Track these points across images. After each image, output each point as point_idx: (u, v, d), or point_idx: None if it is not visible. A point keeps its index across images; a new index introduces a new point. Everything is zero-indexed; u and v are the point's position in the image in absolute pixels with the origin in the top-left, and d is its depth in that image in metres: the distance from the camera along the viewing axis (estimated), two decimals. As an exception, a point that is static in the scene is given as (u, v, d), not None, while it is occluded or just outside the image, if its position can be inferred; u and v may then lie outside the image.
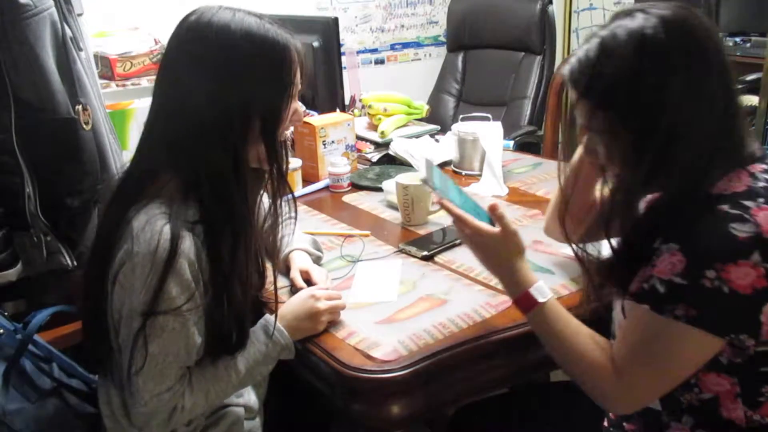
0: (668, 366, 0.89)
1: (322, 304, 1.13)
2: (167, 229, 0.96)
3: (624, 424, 1.08)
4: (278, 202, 1.09)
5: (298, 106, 1.09)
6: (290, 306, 1.14)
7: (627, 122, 0.89)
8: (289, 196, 1.12)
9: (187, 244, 0.97)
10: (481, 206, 1.08)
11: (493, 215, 1.02)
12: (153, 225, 0.96)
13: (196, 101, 0.99)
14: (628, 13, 0.90)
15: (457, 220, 1.03)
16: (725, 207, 0.85)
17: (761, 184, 0.87)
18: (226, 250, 1.02)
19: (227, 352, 1.07)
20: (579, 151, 1.14)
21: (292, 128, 1.98)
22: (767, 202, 0.84)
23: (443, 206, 1.03)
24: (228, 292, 1.03)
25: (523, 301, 1.00)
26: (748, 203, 0.84)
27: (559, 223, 1.20)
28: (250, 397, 1.21)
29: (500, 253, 1.02)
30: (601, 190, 1.11)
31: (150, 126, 1.06)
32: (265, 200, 1.14)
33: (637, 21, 0.88)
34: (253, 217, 1.08)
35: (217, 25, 0.99)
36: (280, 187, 1.08)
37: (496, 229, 1.01)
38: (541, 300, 0.99)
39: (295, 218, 1.19)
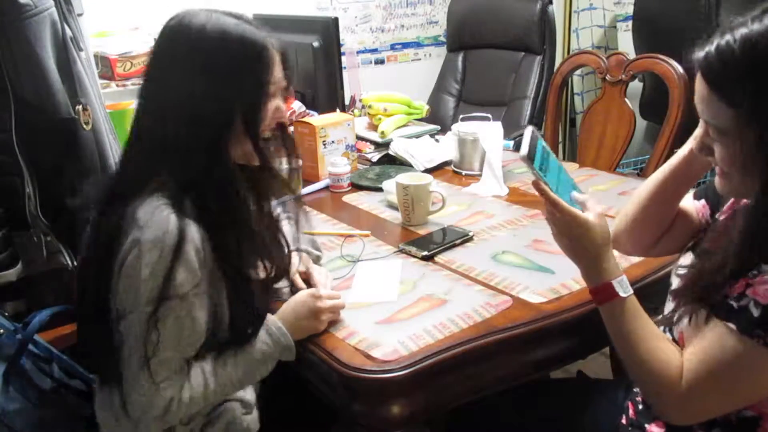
0: (740, 388, 0.87)
1: (323, 303, 1.13)
2: (174, 217, 0.98)
3: (646, 425, 1.07)
4: (269, 198, 1.13)
5: (280, 103, 1.11)
6: (291, 306, 1.14)
7: (761, 127, 0.81)
8: (289, 196, 1.15)
9: (193, 230, 0.99)
10: (577, 185, 1.04)
11: (584, 206, 0.99)
12: (159, 213, 0.98)
13: (179, 104, 1.02)
14: None
15: (550, 203, 0.99)
16: None
17: None
18: (231, 245, 1.05)
19: (237, 344, 1.08)
20: (679, 155, 1.08)
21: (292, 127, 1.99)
22: None
23: (537, 188, 0.99)
24: (239, 285, 1.06)
25: (603, 291, 0.97)
26: None
27: (636, 231, 1.14)
28: (246, 390, 1.21)
29: (588, 240, 0.98)
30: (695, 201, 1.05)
31: (137, 130, 1.09)
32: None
33: None
34: (261, 212, 1.12)
35: (194, 28, 1.02)
36: (274, 184, 1.12)
37: (590, 216, 0.98)
38: (622, 294, 0.96)
39: (296, 218, 1.20)
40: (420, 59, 3.47)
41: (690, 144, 1.04)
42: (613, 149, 2.10)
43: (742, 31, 0.81)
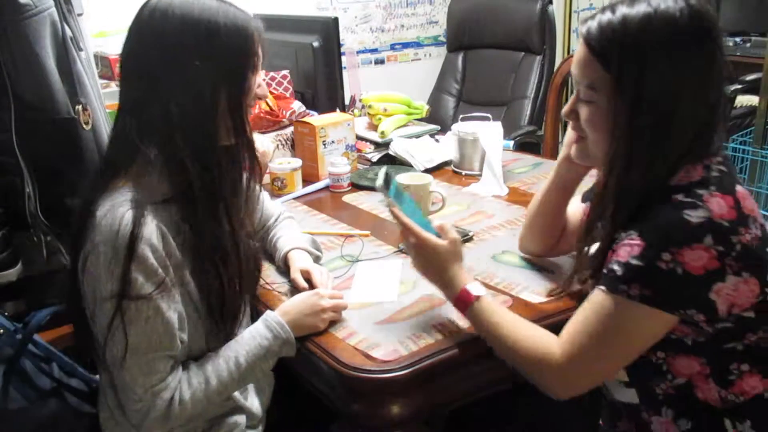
0: (616, 345, 0.93)
1: (326, 302, 1.14)
2: (129, 214, 0.97)
3: (617, 423, 1.09)
4: (250, 177, 1.14)
5: (260, 79, 1.12)
6: (294, 302, 1.15)
7: (627, 92, 0.92)
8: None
9: (149, 229, 0.98)
10: (430, 223, 1.12)
11: (440, 230, 1.09)
12: (114, 212, 0.98)
13: (167, 84, 1.00)
14: None
15: (405, 229, 1.07)
16: (680, 196, 0.90)
17: (714, 174, 0.93)
18: (214, 223, 1.05)
19: (227, 331, 1.09)
20: (551, 176, 1.21)
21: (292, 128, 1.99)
22: (719, 189, 0.90)
23: (393, 213, 1.08)
24: (224, 263, 1.06)
25: (462, 297, 1.04)
26: (701, 191, 0.90)
27: (534, 238, 1.29)
28: (253, 401, 1.21)
29: (441, 261, 1.07)
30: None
31: (123, 118, 1.06)
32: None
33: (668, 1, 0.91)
34: (237, 191, 1.12)
35: (179, 9, 1.01)
36: (251, 162, 1.12)
37: (441, 240, 1.07)
38: (475, 293, 1.03)
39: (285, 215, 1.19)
40: (420, 59, 3.47)
41: (559, 166, 1.19)
42: (613, 149, 2.10)
43: (622, 10, 0.93)
